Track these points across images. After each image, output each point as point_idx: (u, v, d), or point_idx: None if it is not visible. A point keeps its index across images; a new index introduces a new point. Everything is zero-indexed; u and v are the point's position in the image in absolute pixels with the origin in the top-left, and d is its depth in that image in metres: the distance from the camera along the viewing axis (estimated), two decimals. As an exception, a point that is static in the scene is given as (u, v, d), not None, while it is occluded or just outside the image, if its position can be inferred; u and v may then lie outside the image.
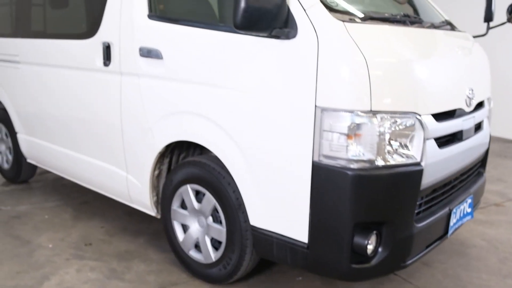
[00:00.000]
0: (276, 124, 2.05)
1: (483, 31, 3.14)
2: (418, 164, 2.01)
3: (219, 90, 2.26)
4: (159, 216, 2.90)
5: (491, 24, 3.15)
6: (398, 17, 2.24)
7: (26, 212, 3.67)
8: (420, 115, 2.00)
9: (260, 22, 1.89)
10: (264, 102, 2.08)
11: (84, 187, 3.51)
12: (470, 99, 2.40)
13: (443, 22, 2.76)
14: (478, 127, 2.64)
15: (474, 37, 2.98)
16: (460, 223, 2.51)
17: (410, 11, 2.81)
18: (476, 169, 2.84)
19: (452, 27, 2.82)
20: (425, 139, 2.03)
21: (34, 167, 4.25)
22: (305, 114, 1.95)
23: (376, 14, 2.15)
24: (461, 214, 2.50)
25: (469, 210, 2.58)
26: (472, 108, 2.45)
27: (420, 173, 2.01)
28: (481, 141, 2.68)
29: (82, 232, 3.30)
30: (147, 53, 2.57)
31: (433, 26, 2.48)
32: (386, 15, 2.22)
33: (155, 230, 3.33)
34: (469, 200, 2.57)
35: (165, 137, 2.60)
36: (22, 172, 4.22)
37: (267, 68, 2.05)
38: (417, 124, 1.99)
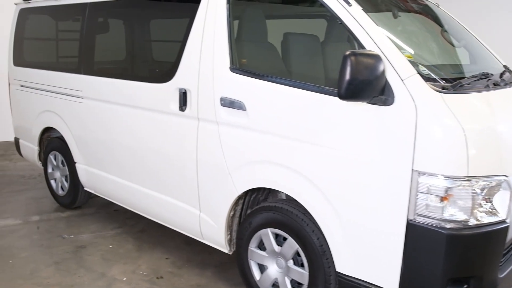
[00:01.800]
0: (371, 183, 2.20)
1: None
2: (504, 221, 2.15)
3: (308, 145, 2.40)
4: (231, 253, 3.05)
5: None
6: (485, 81, 2.39)
7: (90, 241, 3.82)
8: (507, 176, 2.14)
9: (362, 92, 2.04)
10: (358, 161, 2.22)
11: (137, 214, 3.66)
12: None
13: (505, 69, 2.90)
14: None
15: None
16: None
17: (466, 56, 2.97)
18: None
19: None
20: (511, 198, 2.17)
21: (89, 195, 4.40)
22: (402, 176, 2.09)
23: (466, 81, 2.28)
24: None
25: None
26: None
27: (506, 229, 2.16)
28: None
29: (150, 264, 3.45)
30: (230, 104, 2.72)
31: (507, 83, 2.61)
32: (473, 79, 2.35)
33: (219, 262, 3.48)
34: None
35: (246, 183, 2.74)
36: (78, 199, 4.37)
37: (362, 130, 2.19)
38: (504, 185, 2.13)
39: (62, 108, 4.13)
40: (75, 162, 4.17)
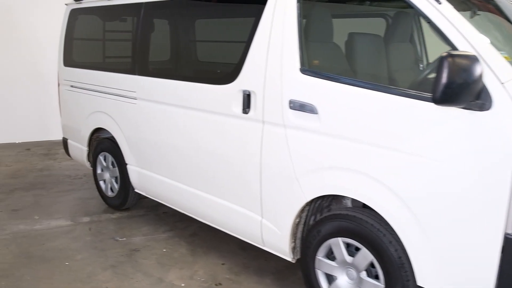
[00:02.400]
0: (463, 194, 2.05)
1: None
2: None
3: (389, 151, 2.27)
4: (294, 261, 2.95)
5: None
6: None
7: (143, 245, 3.77)
8: None
9: (459, 97, 1.90)
10: (448, 169, 2.08)
11: (187, 216, 3.59)
12: None
13: None
14: None
15: None
16: None
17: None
18: None
19: None
20: None
21: (139, 196, 4.36)
22: (500, 186, 1.94)
23: None
24: None
25: None
26: None
27: None
28: None
29: (206, 270, 3.37)
30: (300, 107, 2.61)
31: None
32: None
33: (276, 269, 3.38)
34: None
35: (316, 189, 2.63)
36: (128, 201, 4.33)
37: (454, 137, 2.05)
38: None
39: (114, 109, 4.10)
40: (126, 164, 4.13)
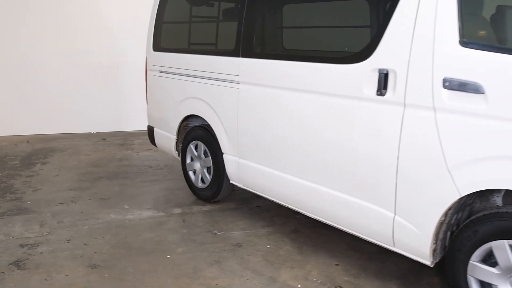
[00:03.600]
0: None
1: None
2: None
3: None
4: (432, 265, 2.57)
5: None
6: None
7: (244, 240, 3.50)
8: None
9: None
10: None
11: (283, 211, 3.26)
12: None
13: None
14: None
15: None
16: None
17: None
18: None
19: None
20: None
21: (232, 189, 4.10)
22: None
23: None
24: None
25: None
26: None
27: None
28: None
29: (320, 270, 3.06)
30: (458, 86, 2.23)
31: None
32: None
33: (399, 273, 3.01)
34: None
35: (476, 183, 2.24)
36: (221, 192, 4.08)
37: None
38: None
39: (211, 94, 3.85)
40: (222, 153, 3.87)
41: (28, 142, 6.69)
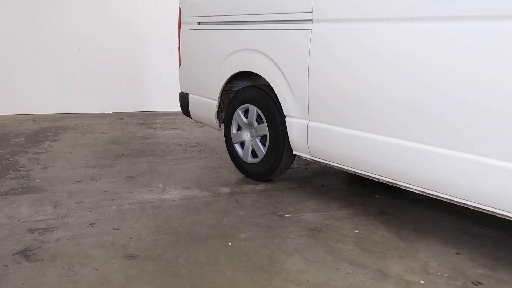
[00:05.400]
0: None
1: None
2: None
3: None
4: None
5: None
6: None
7: (321, 223, 2.71)
8: None
9: None
10: None
11: (357, 191, 2.50)
12: None
13: None
14: None
15: None
16: None
17: None
18: None
19: None
20: None
21: (291, 163, 3.31)
22: None
23: None
24: None
25: None
26: None
27: None
28: None
29: (439, 261, 2.27)
30: None
31: None
32: None
33: (549, 264, 2.21)
34: None
35: None
36: (279, 167, 3.28)
37: None
38: None
39: (270, 41, 3.05)
40: (284, 116, 3.08)
41: (34, 120, 5.89)
